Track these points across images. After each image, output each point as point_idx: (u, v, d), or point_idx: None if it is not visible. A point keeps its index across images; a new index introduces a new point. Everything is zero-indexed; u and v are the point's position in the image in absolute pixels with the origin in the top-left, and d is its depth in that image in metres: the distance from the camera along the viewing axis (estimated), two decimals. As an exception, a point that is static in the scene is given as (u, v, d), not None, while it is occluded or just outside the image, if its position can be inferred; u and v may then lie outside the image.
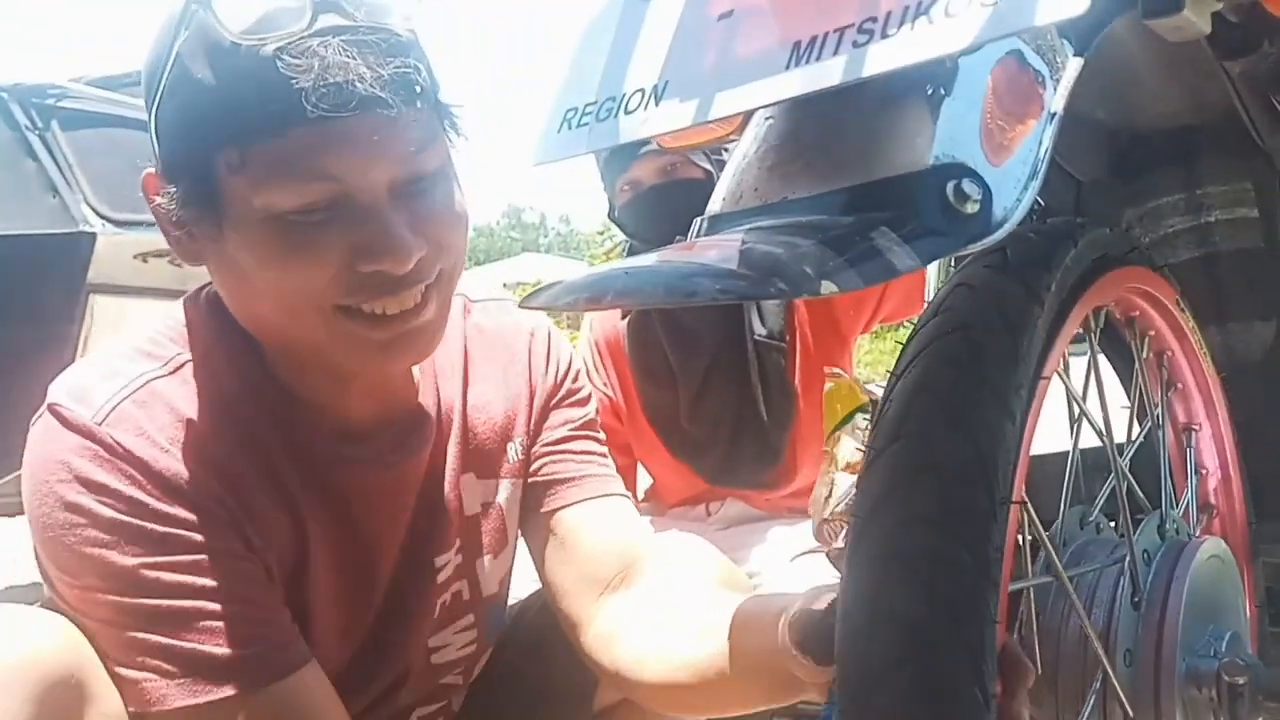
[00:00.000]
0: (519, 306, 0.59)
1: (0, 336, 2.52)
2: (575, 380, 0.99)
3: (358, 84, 0.68)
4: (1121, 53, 0.85)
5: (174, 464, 0.74)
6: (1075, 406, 0.74)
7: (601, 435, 0.99)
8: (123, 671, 0.72)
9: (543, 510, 0.93)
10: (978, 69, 0.54)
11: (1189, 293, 0.86)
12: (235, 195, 0.71)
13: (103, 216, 2.81)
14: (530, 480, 0.94)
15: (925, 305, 0.62)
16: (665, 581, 0.88)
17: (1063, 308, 0.63)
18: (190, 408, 0.77)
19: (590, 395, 1.00)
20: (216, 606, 0.73)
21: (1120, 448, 0.77)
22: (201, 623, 0.72)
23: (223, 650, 0.72)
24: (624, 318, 1.72)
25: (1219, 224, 1.03)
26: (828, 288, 0.40)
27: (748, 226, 0.48)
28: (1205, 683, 0.70)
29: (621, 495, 0.95)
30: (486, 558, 0.93)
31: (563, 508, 0.92)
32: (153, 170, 0.76)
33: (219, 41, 0.68)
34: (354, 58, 0.68)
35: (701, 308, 1.62)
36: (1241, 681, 0.69)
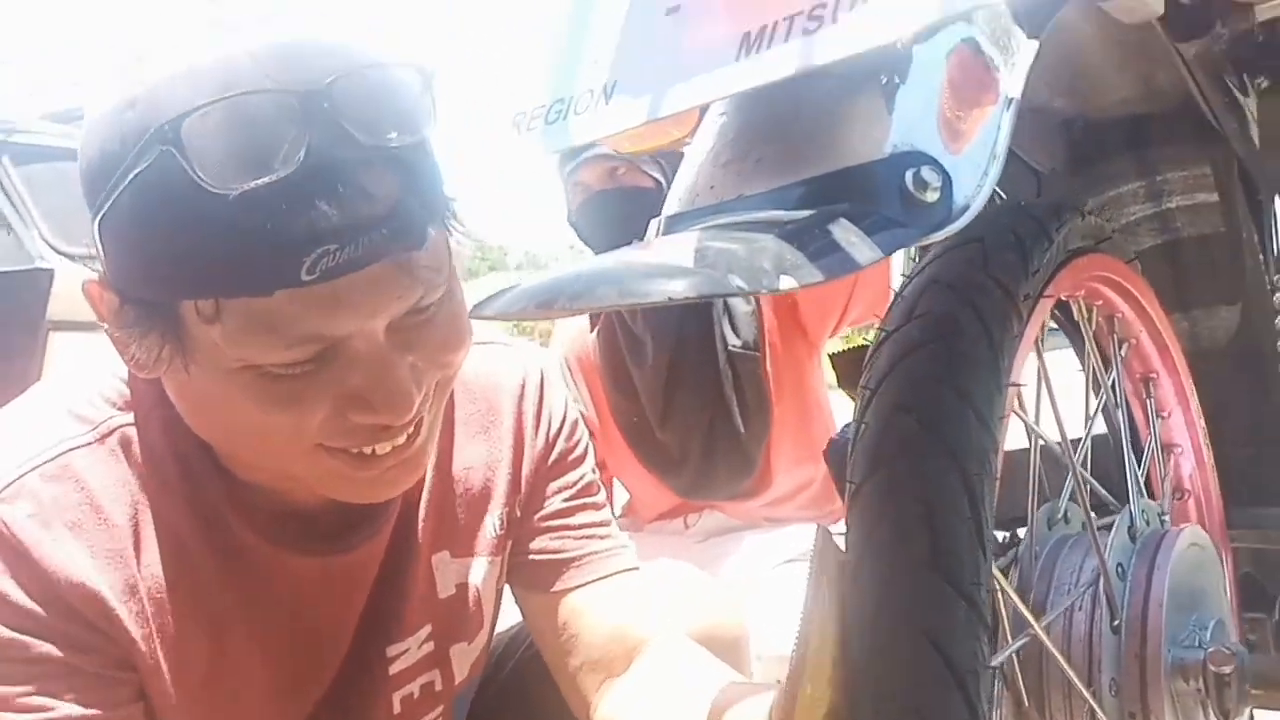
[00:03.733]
0: (470, 315, 0.56)
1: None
2: (571, 437, 0.89)
3: (362, 241, 0.58)
4: (1076, 40, 0.84)
5: (61, 561, 0.65)
6: (1030, 403, 0.73)
7: (601, 497, 0.92)
8: None
9: (542, 593, 0.86)
10: (932, 57, 0.53)
11: (1153, 280, 0.86)
12: (205, 342, 0.61)
13: (60, 252, 2.76)
14: (527, 558, 0.87)
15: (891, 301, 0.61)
16: (665, 672, 0.83)
17: (1035, 302, 0.62)
18: (105, 488, 0.68)
19: (588, 450, 0.92)
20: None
21: (1077, 442, 0.76)
22: None
23: None
24: (593, 329, 1.71)
25: (1179, 210, 1.03)
26: (787, 283, 0.39)
27: (704, 225, 0.47)
28: (1192, 675, 0.69)
29: (624, 571, 0.88)
30: (462, 644, 0.85)
31: (564, 591, 0.85)
32: (96, 280, 0.63)
33: (190, 182, 0.55)
34: (358, 207, 0.57)
35: (666, 316, 1.60)
36: (1228, 670, 0.68)
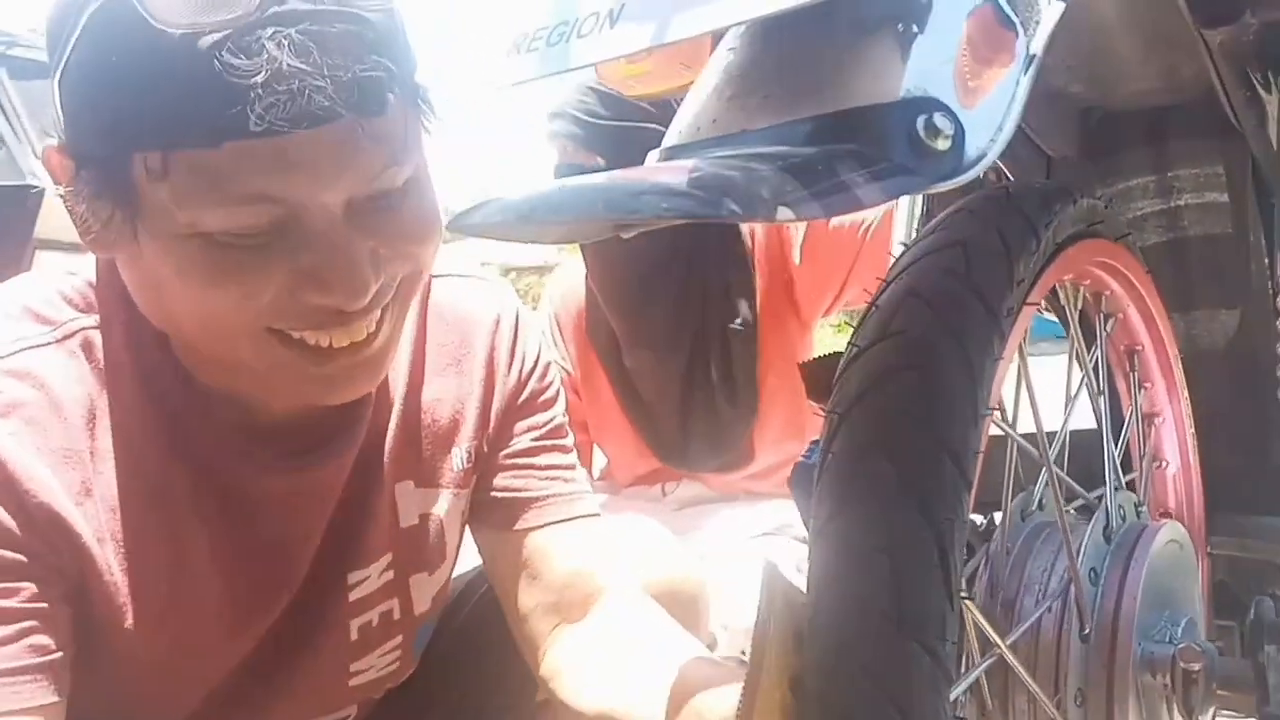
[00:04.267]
0: (449, 228, 0.54)
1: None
2: (543, 378, 0.88)
3: (314, 94, 0.55)
4: (1100, 23, 0.82)
5: (10, 450, 0.63)
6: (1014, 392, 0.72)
7: (569, 441, 0.91)
8: None
9: (502, 530, 0.85)
10: (952, 13, 0.51)
11: (1156, 276, 0.84)
12: (155, 203, 0.59)
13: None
14: (490, 495, 0.86)
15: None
16: (621, 622, 0.82)
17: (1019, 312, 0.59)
18: (67, 388, 0.66)
19: (559, 394, 0.91)
20: None
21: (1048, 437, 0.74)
22: None
23: None
24: (585, 283, 1.68)
25: (1189, 208, 1.01)
26: (784, 214, 0.37)
27: (704, 155, 0.45)
28: (1160, 668, 0.68)
29: (586, 516, 0.87)
30: (422, 574, 0.84)
31: (524, 530, 0.84)
32: (55, 145, 0.62)
33: (139, 21, 0.54)
34: (312, 58, 0.55)
35: (645, 272, 1.56)
36: (1196, 667, 0.67)
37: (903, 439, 0.50)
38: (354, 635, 0.82)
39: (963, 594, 0.56)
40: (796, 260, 1.63)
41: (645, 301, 1.59)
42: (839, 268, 1.59)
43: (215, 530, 0.72)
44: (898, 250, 0.59)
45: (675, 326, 1.60)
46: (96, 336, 0.68)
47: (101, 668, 0.70)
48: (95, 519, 0.67)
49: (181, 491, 0.70)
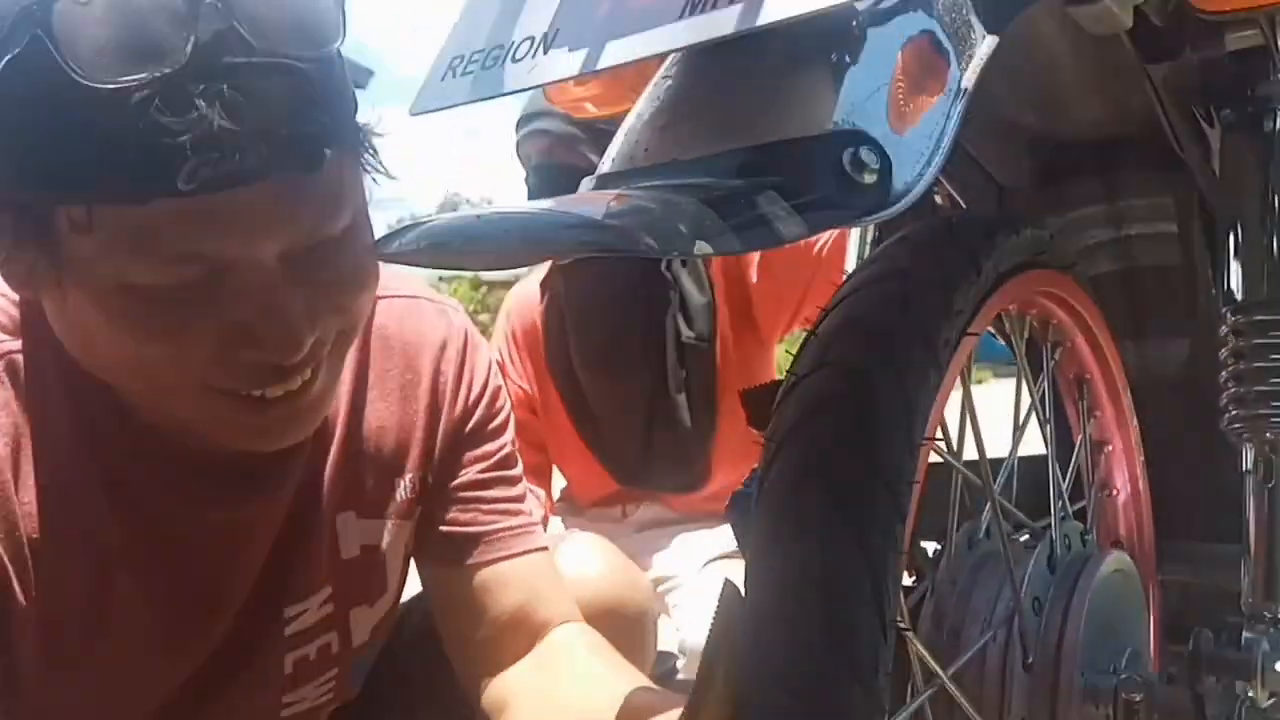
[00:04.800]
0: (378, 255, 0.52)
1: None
2: (492, 405, 0.86)
3: (246, 153, 0.53)
4: (1049, 55, 0.83)
5: None
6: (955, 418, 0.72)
7: (518, 471, 0.89)
8: None
9: (447, 566, 0.84)
10: (886, 43, 0.51)
11: (1108, 307, 0.84)
12: (79, 254, 0.56)
13: None
14: (436, 529, 0.84)
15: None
16: (563, 657, 0.82)
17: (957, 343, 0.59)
18: None
19: (508, 420, 0.89)
20: None
21: (997, 464, 0.74)
22: None
23: None
24: (542, 299, 1.68)
25: (1139, 238, 1.02)
26: (701, 248, 0.37)
27: (632, 186, 0.45)
28: (1103, 699, 0.68)
29: (532, 551, 0.85)
30: (362, 607, 0.83)
31: (472, 566, 0.83)
32: None
33: (61, 73, 0.51)
34: (244, 115, 0.53)
35: (614, 291, 1.58)
36: (1138, 699, 0.67)
37: (837, 468, 0.50)
38: (288, 669, 0.80)
39: (901, 624, 0.56)
40: (753, 277, 1.63)
41: (610, 319, 1.59)
42: (796, 284, 1.60)
43: (145, 565, 0.70)
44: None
45: (636, 344, 1.59)
46: (20, 360, 0.66)
47: (30, 701, 0.68)
48: (15, 553, 0.65)
49: (110, 524, 0.69)
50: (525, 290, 1.75)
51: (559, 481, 1.84)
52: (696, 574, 1.59)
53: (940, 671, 0.61)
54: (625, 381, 1.61)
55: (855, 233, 1.10)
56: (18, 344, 0.67)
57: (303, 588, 0.79)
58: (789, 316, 1.65)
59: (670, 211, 0.38)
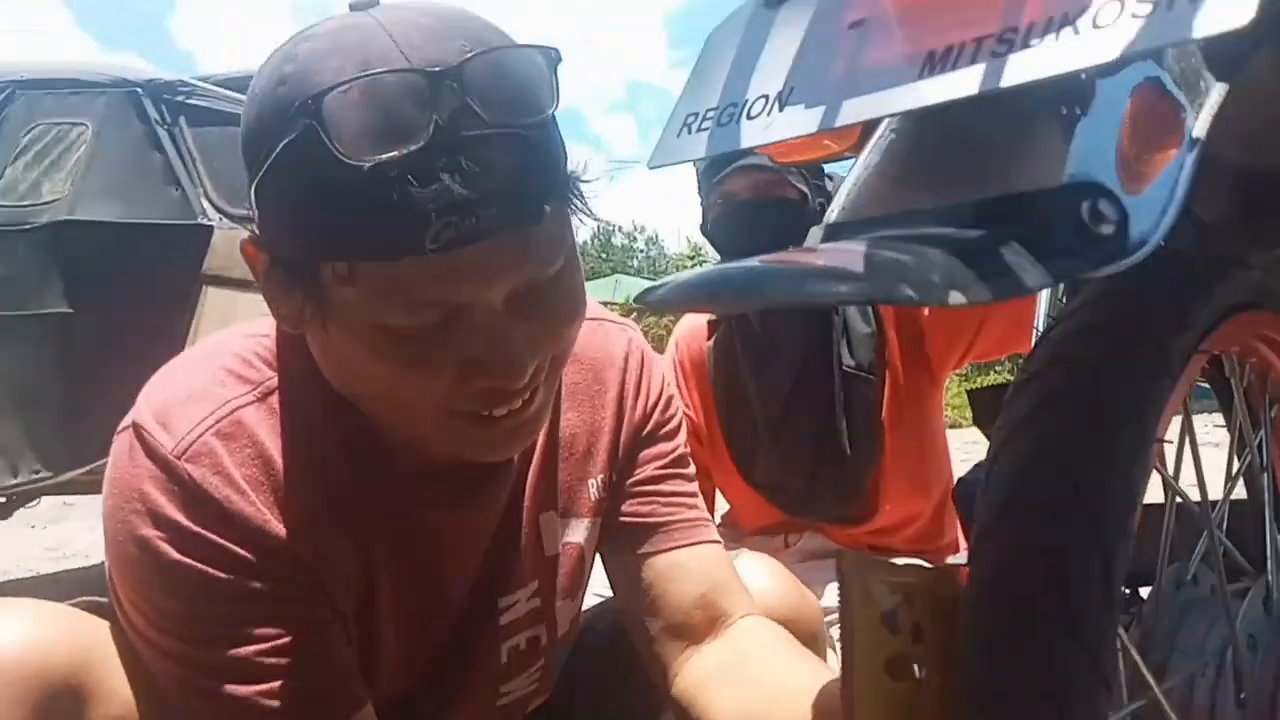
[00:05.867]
0: (634, 301, 0.58)
1: (119, 319, 2.65)
2: (666, 410, 0.94)
3: (481, 215, 0.61)
4: (1263, 89, 0.81)
5: (250, 510, 0.71)
6: (1172, 459, 0.71)
7: (691, 470, 0.96)
8: (174, 705, 0.71)
9: (629, 554, 0.90)
10: (1115, 93, 0.52)
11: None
12: (341, 301, 0.66)
13: (220, 210, 2.94)
14: (618, 520, 0.91)
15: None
16: (751, 644, 0.86)
17: (1188, 357, 0.60)
18: (274, 442, 0.73)
19: (681, 425, 0.96)
20: (276, 661, 0.70)
21: (1216, 503, 0.73)
22: (259, 680, 0.70)
23: (274, 704, 0.69)
24: (710, 337, 1.72)
25: (1355, 277, 0.97)
26: (955, 298, 0.39)
27: (869, 235, 0.47)
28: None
29: (710, 541, 0.91)
30: (565, 600, 0.90)
31: (650, 554, 0.89)
32: (250, 240, 0.69)
33: (329, 154, 0.59)
34: (480, 181, 0.60)
35: (791, 330, 1.60)
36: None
37: (1069, 455, 0.52)
38: (504, 658, 0.87)
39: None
40: (926, 310, 1.62)
41: (788, 351, 1.61)
42: (971, 318, 1.58)
43: (397, 565, 0.79)
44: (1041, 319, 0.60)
45: (811, 375, 1.61)
46: (291, 393, 0.76)
47: None
48: (311, 570, 0.74)
49: (375, 530, 0.78)
50: (693, 323, 1.79)
51: (721, 506, 1.86)
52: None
53: (1155, 685, 0.60)
54: (804, 415, 1.62)
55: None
56: (276, 379, 0.76)
57: (513, 580, 0.86)
58: (962, 350, 1.63)
59: (923, 262, 0.41)
